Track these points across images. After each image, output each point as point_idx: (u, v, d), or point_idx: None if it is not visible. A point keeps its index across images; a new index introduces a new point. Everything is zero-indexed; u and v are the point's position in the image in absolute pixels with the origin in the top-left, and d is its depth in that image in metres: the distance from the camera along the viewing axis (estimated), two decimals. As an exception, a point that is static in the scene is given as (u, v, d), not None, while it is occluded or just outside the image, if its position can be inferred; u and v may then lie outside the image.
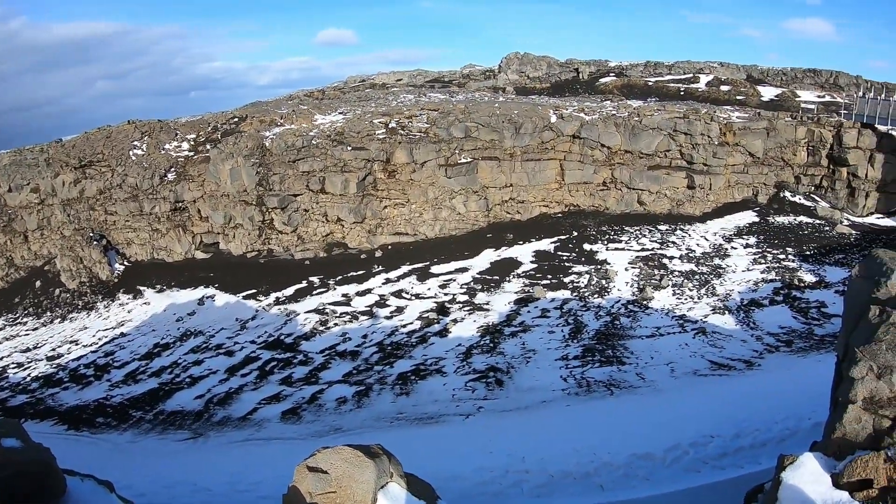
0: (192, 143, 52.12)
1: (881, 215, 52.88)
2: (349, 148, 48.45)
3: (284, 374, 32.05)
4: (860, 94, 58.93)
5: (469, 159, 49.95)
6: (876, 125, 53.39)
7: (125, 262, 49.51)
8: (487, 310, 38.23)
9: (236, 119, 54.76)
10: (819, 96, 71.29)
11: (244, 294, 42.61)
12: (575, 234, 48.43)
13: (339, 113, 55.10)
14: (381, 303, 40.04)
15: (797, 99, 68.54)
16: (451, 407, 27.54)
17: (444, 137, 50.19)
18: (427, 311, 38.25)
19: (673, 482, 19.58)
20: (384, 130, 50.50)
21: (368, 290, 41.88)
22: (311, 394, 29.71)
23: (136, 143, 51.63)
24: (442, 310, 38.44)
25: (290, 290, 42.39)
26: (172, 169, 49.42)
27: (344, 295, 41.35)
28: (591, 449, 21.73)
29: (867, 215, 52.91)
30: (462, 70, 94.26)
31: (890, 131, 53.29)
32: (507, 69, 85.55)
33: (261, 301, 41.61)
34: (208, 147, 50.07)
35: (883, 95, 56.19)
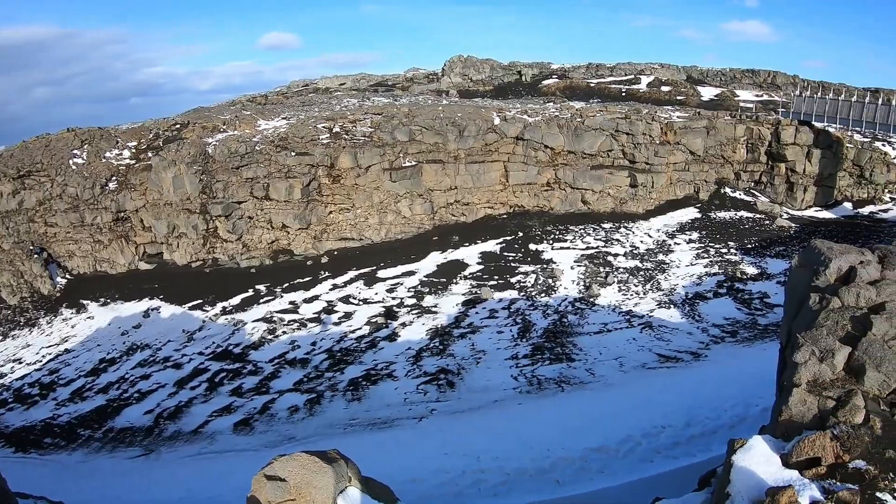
0: (134, 150, 50.91)
1: (819, 208, 54.92)
2: (293, 153, 48.10)
3: (234, 384, 31.74)
4: (797, 92, 60.97)
5: (413, 163, 50.09)
6: (813, 122, 55.45)
7: (67, 276, 48.09)
8: (436, 312, 38.48)
9: (178, 126, 53.79)
10: (757, 95, 73.55)
11: (190, 305, 41.86)
12: (520, 234, 48.99)
13: (283, 118, 54.63)
14: (329, 309, 39.83)
15: (736, 98, 70.66)
16: (404, 410, 27.72)
17: (388, 141, 50.21)
18: (375, 316, 38.25)
19: (628, 473, 20.24)
20: (328, 135, 50.25)
21: (316, 297, 41.59)
22: (262, 404, 29.50)
23: (75, 151, 50.19)
24: (390, 314, 38.52)
25: (236, 300, 41.87)
26: (114, 178, 48.23)
27: (291, 302, 41.01)
28: (546, 445, 22.32)
29: (806, 208, 54.88)
30: (406, 74, 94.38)
31: (826, 128, 55.34)
32: (451, 72, 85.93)
33: (207, 311, 40.96)
34: (150, 155, 49.00)
35: (819, 94, 58.29)
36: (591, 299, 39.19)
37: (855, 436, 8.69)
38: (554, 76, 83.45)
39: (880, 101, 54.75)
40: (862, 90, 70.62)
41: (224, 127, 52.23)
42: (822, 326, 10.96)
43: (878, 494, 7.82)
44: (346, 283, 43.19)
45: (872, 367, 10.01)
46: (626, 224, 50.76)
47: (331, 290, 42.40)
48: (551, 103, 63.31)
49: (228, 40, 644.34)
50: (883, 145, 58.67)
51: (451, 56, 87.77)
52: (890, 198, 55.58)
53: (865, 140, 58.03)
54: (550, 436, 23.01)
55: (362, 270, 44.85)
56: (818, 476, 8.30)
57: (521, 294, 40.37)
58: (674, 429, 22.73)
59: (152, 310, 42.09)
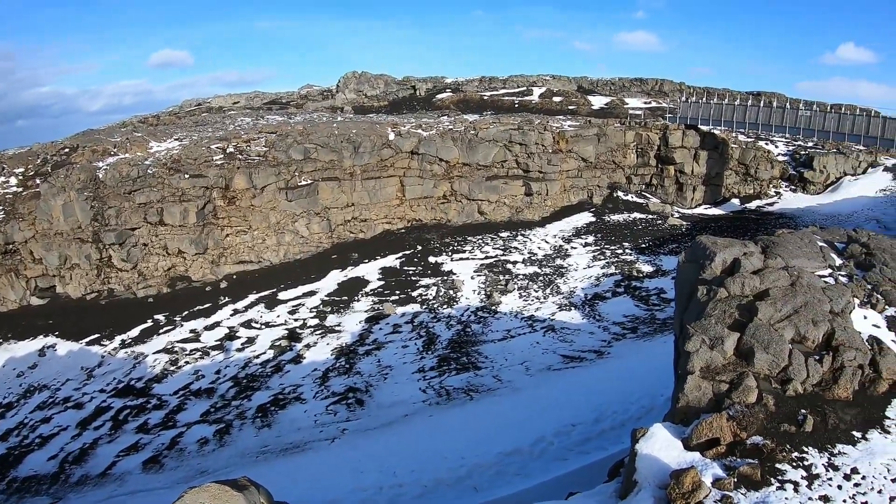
0: (21, 177, 48.44)
1: (708, 205, 58.51)
2: (187, 176, 46.93)
3: (139, 421, 30.90)
4: (683, 98, 64.52)
5: (309, 181, 50.02)
6: (699, 125, 58.83)
7: (-47, 316, 45.63)
8: (339, 331, 38.60)
9: (67, 149, 51.52)
10: (646, 102, 77.03)
11: (87, 340, 40.21)
12: (419, 248, 49.75)
13: (175, 139, 53.31)
14: (232, 335, 39.25)
15: (626, 106, 73.87)
16: (315, 433, 27.78)
17: (283, 160, 49.94)
18: (279, 339, 38.06)
19: (543, 473, 20.83)
20: (222, 156, 49.40)
21: (217, 324, 40.88)
22: (170, 438, 28.89)
23: (-41, 180, 47.81)
24: (294, 336, 38.37)
25: (135, 332, 40.60)
26: (0, 207, 46.26)
27: (192, 331, 40.17)
28: (460, 454, 22.86)
29: (695, 206, 58.30)
30: (300, 91, 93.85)
31: (712, 130, 58.88)
32: (345, 88, 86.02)
33: (106, 346, 39.50)
34: (38, 182, 46.71)
35: (704, 99, 61.96)
36: (493, 307, 40.26)
37: (750, 414, 9.55)
38: (448, 90, 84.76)
39: (762, 104, 58.78)
40: (745, 94, 75.80)
41: (115, 150, 50.38)
42: (711, 316, 11.89)
43: (777, 466, 8.63)
44: (247, 308, 42.63)
45: (761, 349, 10.88)
46: (523, 232, 52.35)
47: (232, 315, 41.78)
48: (445, 117, 64.60)
49: (119, 57, 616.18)
50: (766, 144, 62.99)
51: (345, 72, 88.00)
52: (775, 192, 59.64)
53: (749, 140, 62.19)
54: (464, 444, 23.58)
55: (263, 293, 44.38)
56: (719, 455, 8.98)
57: (424, 307, 41.03)
58: (584, 425, 23.66)
59: (48, 347, 40.17)
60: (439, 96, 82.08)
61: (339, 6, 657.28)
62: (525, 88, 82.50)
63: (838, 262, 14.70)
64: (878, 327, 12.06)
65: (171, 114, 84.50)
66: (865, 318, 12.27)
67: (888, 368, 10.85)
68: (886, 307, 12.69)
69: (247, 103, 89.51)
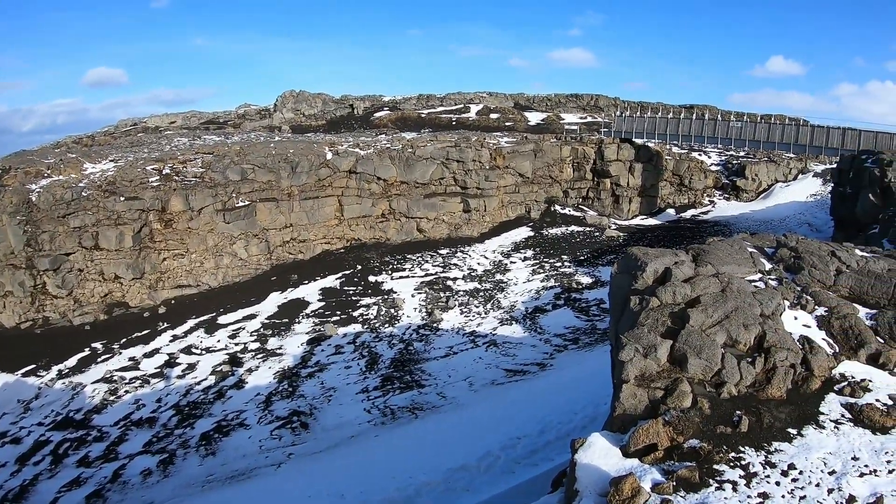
0: (-47, 202, 47.03)
1: (644, 216, 60.51)
2: (122, 198, 46.09)
3: (80, 454, 30.18)
4: (618, 113, 66.71)
5: (247, 202, 49.85)
6: (633, 139, 60.81)
7: None
8: (281, 354, 38.49)
9: (-1, 171, 50.40)
10: (581, 118, 79.12)
11: (23, 371, 38.85)
12: (359, 267, 50.04)
13: (111, 160, 52.12)
14: (172, 362, 38.62)
15: (562, 122, 75.83)
16: (261, 459, 27.69)
17: (220, 181, 49.66)
18: (220, 365, 37.70)
19: (492, 487, 21.16)
20: (158, 177, 48.70)
21: (156, 350, 40.16)
22: (112, 471, 28.36)
23: None
24: (235, 361, 38.06)
25: (72, 361, 39.54)
26: (-70, 234, 44.45)
27: (131, 359, 39.39)
28: (408, 473, 22.95)
29: (632, 218, 60.20)
30: (237, 110, 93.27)
31: (646, 143, 60.89)
32: (283, 108, 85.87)
33: (42, 377, 38.33)
34: (-30, 207, 45.46)
35: (638, 113, 64.27)
36: (435, 324, 40.81)
37: (685, 418, 9.66)
38: (386, 108, 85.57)
39: (695, 116, 61.49)
40: (678, 107, 78.60)
41: (48, 172, 48.77)
42: (644, 325, 12.08)
43: (715, 467, 8.73)
44: (186, 333, 42.05)
45: (694, 354, 11.12)
46: (462, 248, 53.17)
47: (171, 341, 41.16)
48: (383, 135, 65.14)
49: (53, 75, 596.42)
50: (699, 155, 65.56)
51: (283, 91, 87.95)
52: (709, 201, 62.15)
53: (683, 151, 64.60)
54: (412, 463, 23.72)
55: (202, 318, 43.87)
56: (657, 460, 9.03)
57: (365, 327, 41.29)
58: (530, 438, 23.99)
59: (-19, 381, 39.12)
60: (377, 115, 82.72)
61: (278, 24, 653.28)
62: (462, 106, 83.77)
63: (768, 266, 15.24)
64: (809, 327, 12.53)
65: (107, 134, 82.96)
66: (796, 318, 12.74)
67: (820, 366, 11.25)
68: (816, 307, 13.19)
69: (183, 123, 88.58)
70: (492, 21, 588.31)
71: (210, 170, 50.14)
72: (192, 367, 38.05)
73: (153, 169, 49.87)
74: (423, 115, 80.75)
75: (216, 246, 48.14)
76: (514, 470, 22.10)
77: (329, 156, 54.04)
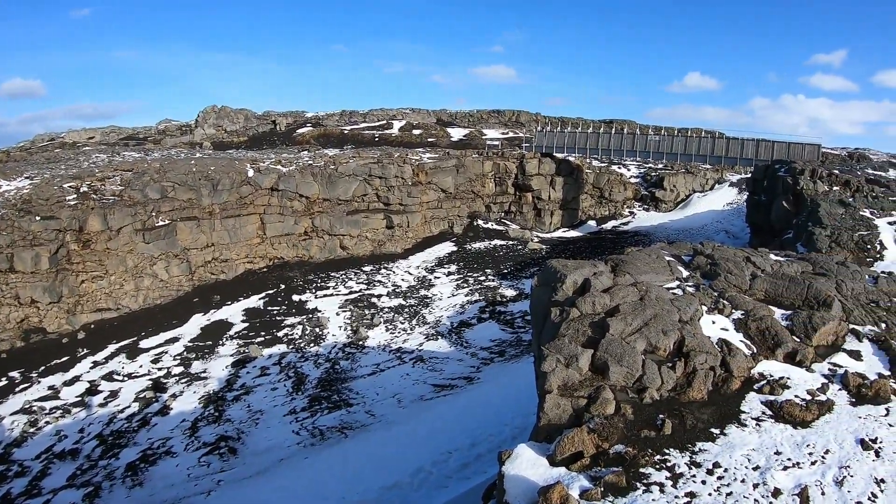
0: None
1: (566, 228, 62.37)
2: (38, 218, 44.38)
3: (2, 491, 29.12)
4: (539, 128, 68.52)
5: (167, 221, 48.97)
6: (554, 153, 62.51)
7: None
8: (206, 378, 38.04)
9: None
10: (503, 133, 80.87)
11: None
12: (282, 286, 49.88)
13: (26, 177, 50.17)
14: (93, 390, 37.51)
15: (483, 137, 77.30)
16: (190, 487, 27.38)
17: (139, 200, 48.59)
18: (143, 391, 36.90)
19: (426, 502, 21.55)
20: (76, 196, 47.12)
21: (77, 378, 38.89)
22: (36, 508, 27.63)
23: None
24: (158, 386, 37.34)
25: (-12, 392, 37.98)
26: None
27: (51, 387, 37.99)
28: (340, 494, 23.24)
29: (554, 230, 62.00)
30: (158, 126, 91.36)
31: (567, 157, 62.71)
32: (205, 123, 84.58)
33: None
34: None
35: (559, 128, 66.26)
36: (361, 342, 41.18)
37: (609, 425, 9.95)
38: (309, 124, 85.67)
39: (614, 131, 63.78)
40: (598, 122, 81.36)
41: None
42: (565, 336, 12.44)
43: (641, 470, 9.00)
44: (107, 359, 40.89)
45: (615, 362, 11.47)
46: (386, 265, 53.66)
47: (92, 368, 39.95)
48: (306, 152, 65.22)
49: None
50: (619, 168, 68.03)
51: (205, 106, 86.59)
52: (629, 212, 64.56)
53: (603, 165, 66.97)
54: (343, 483, 23.93)
55: (123, 342, 42.74)
56: (584, 467, 9.26)
57: (291, 347, 41.29)
58: (461, 452, 24.47)
59: None
60: (300, 131, 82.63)
61: (201, 38, 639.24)
62: (385, 122, 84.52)
63: (685, 273, 16.13)
64: (727, 330, 13.23)
65: (22, 149, 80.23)
66: (714, 322, 13.42)
67: (739, 367, 11.88)
68: (733, 311, 13.94)
69: (102, 138, 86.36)
70: (415, 37, 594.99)
71: (129, 188, 49.03)
72: (114, 394, 37.10)
73: (70, 187, 48.32)
74: (346, 132, 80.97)
75: (136, 267, 46.96)
76: (447, 485, 22.46)
77: (251, 173, 53.69)
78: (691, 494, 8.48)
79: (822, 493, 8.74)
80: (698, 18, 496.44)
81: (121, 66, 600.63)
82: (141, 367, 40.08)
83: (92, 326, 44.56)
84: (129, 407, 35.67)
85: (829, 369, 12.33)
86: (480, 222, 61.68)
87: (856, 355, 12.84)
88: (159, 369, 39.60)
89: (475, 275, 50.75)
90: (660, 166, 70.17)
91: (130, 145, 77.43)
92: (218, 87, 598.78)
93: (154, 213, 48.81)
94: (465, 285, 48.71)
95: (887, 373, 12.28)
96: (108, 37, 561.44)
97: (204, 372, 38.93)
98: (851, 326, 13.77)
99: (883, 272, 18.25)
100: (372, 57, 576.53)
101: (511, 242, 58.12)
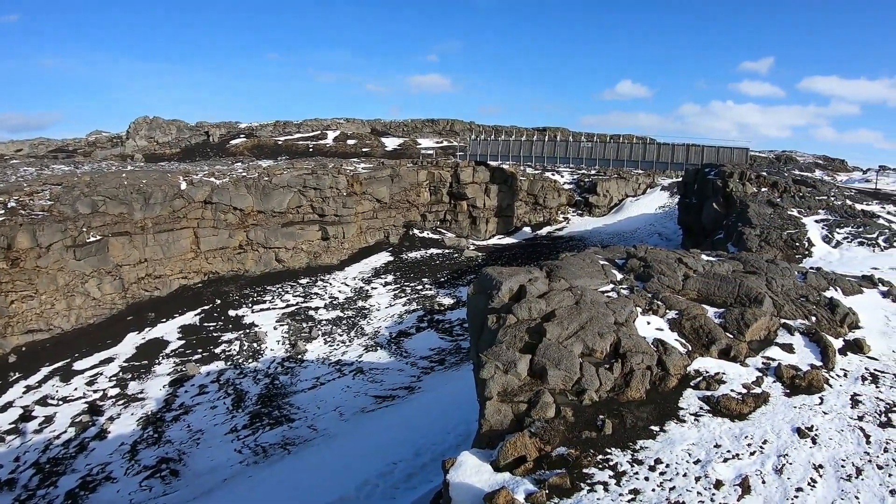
0: None
1: (501, 235, 63.73)
2: None
3: None
4: (473, 137, 69.61)
5: (99, 237, 48.11)
6: (488, 162, 63.73)
7: None
8: (143, 399, 37.54)
9: None
10: (438, 142, 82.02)
11: None
12: (218, 301, 49.71)
13: None
14: (27, 415, 36.48)
15: (418, 146, 78.27)
16: (132, 513, 26.92)
17: (69, 215, 47.59)
18: (79, 415, 36.14)
19: None
20: (3, 211, 45.84)
21: (9, 404, 37.81)
22: (-27, 543, 27.09)
23: None
24: (95, 409, 36.66)
25: (-85, 421, 36.54)
26: None
27: None
28: None
29: (490, 238, 63.22)
30: (88, 138, 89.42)
31: (501, 165, 63.99)
32: (136, 135, 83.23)
33: None
34: None
35: (493, 136, 67.52)
36: (300, 356, 41.40)
37: (551, 428, 10.02)
38: (242, 135, 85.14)
39: (547, 138, 65.55)
40: (532, 130, 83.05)
41: None
42: (502, 342, 12.47)
43: (584, 471, 9.13)
44: (40, 383, 39.88)
45: (553, 366, 11.58)
46: (322, 277, 53.98)
47: (25, 392, 38.92)
48: (239, 163, 65.25)
49: None
50: (553, 174, 69.75)
51: (136, 117, 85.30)
52: (563, 217, 66.25)
53: (537, 172, 68.57)
54: (289, 500, 24.07)
55: (57, 364, 41.71)
56: (527, 471, 9.26)
57: (229, 363, 41.15)
58: (406, 462, 24.64)
59: None
60: (233, 142, 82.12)
61: (131, 47, 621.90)
62: (319, 132, 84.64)
63: (619, 276, 16.64)
64: (662, 330, 13.58)
65: (-54, 163, 77.34)
66: (649, 323, 13.77)
67: (675, 365, 12.12)
68: (667, 311, 14.40)
69: (30, 151, 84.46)
70: (349, 46, 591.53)
71: (59, 202, 48.02)
72: (49, 419, 36.26)
73: (-3, 202, 47.00)
74: (280, 143, 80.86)
75: (67, 285, 45.97)
76: (394, 496, 22.68)
77: (183, 186, 53.27)
78: (635, 491, 8.66)
79: (763, 482, 9.00)
80: (630, 27, 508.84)
81: (48, 75, 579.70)
82: (76, 389, 39.18)
83: (23, 349, 43.37)
84: (65, 432, 34.88)
85: (763, 363, 12.85)
86: (416, 231, 62.45)
87: (788, 348, 13.47)
88: (95, 391, 38.78)
89: (412, 284, 51.47)
90: (593, 172, 72.17)
91: (60, 158, 75.78)
92: (150, 98, 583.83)
93: (85, 229, 47.80)
94: (403, 295, 49.37)
95: (819, 363, 12.92)
96: (34, 44, 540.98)
97: (141, 393, 38.38)
98: (783, 321, 14.43)
99: (811, 268, 19.04)
100: (305, 65, 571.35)
101: (447, 251, 59.04)
